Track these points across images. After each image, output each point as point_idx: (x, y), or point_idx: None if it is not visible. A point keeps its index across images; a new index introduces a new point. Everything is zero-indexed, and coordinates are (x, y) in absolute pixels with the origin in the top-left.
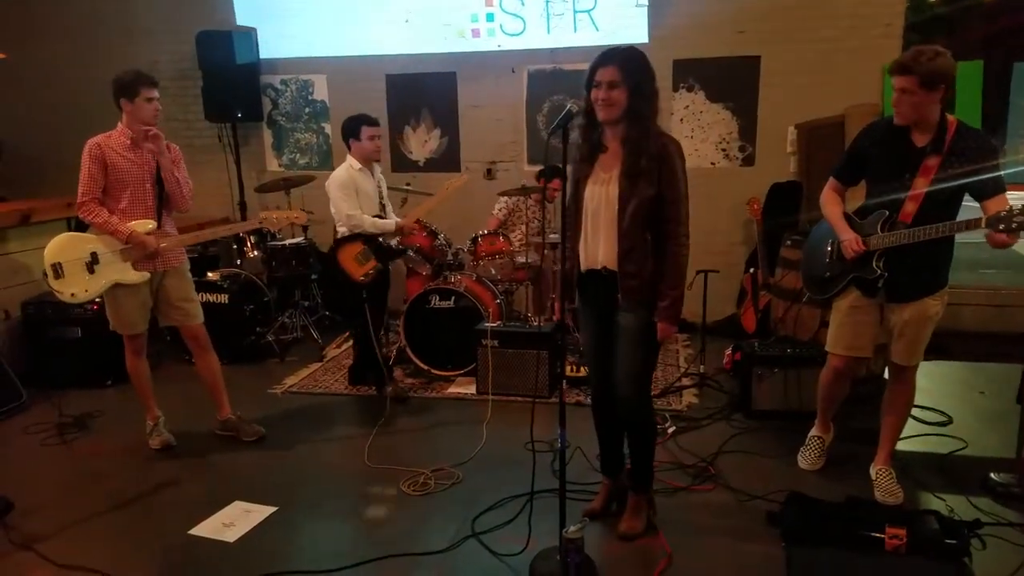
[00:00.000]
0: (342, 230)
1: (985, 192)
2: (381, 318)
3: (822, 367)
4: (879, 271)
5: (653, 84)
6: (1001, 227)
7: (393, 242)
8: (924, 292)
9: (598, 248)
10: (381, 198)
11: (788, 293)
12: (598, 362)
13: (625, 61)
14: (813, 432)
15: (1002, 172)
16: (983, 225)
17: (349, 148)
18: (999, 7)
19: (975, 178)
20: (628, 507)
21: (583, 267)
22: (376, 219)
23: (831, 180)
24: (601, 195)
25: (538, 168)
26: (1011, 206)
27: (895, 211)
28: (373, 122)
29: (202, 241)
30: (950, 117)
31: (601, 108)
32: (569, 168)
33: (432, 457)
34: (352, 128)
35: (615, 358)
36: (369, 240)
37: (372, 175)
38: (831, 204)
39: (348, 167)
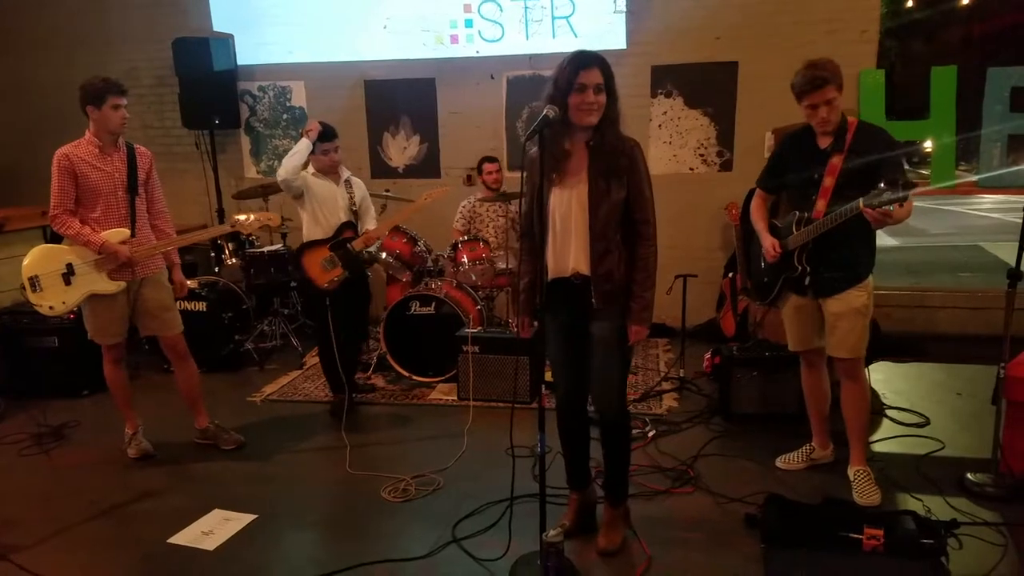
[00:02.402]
0: (306, 233)
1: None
2: (364, 328)
3: (800, 370)
4: (800, 268)
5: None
6: (874, 203)
7: (372, 248)
8: (847, 284)
9: (568, 254)
10: (353, 205)
11: None
12: (568, 374)
13: (604, 64)
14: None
15: (903, 163)
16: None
17: None
18: (973, 13)
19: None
20: (605, 522)
21: (551, 275)
22: (295, 151)
23: (757, 191)
24: (570, 199)
25: (518, 174)
26: (879, 186)
27: (809, 210)
28: (327, 136)
29: (176, 247)
30: (850, 118)
31: (588, 112)
32: (524, 177)
33: (413, 463)
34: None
35: (589, 369)
36: (336, 246)
37: (336, 185)
38: (755, 214)
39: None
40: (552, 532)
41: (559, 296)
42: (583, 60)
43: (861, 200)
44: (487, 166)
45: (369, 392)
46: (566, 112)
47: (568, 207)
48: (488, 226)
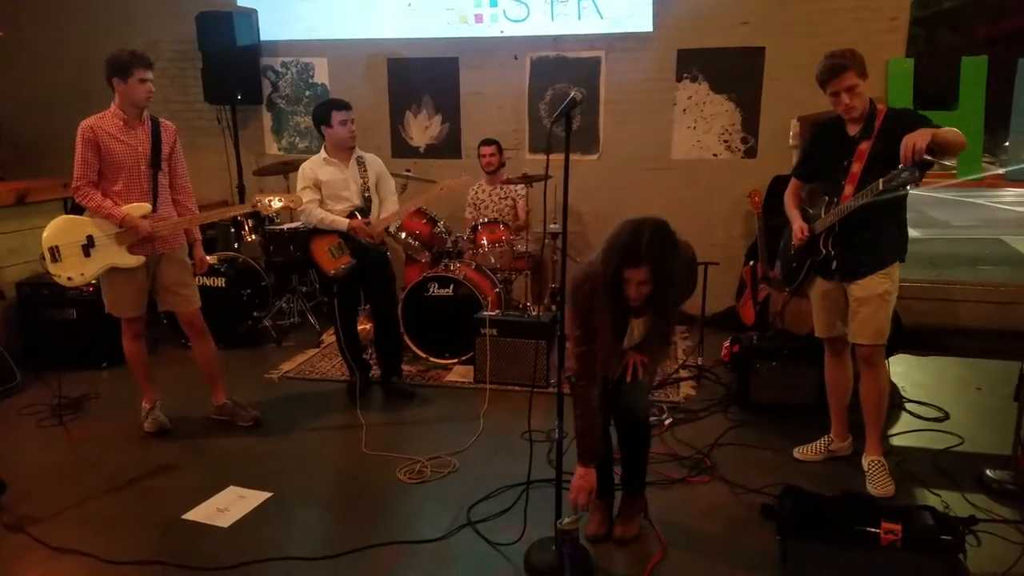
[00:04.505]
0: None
1: None
2: (393, 308)
3: (820, 360)
4: (824, 252)
5: (678, 253)
6: (892, 184)
7: (391, 228)
8: (871, 269)
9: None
10: (366, 191)
11: None
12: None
13: (654, 258)
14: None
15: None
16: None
17: (323, 136)
18: (1004, 4)
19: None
20: (621, 511)
21: None
22: (328, 215)
23: (792, 180)
24: (637, 328)
25: (541, 156)
26: (901, 165)
27: (837, 195)
28: (343, 106)
29: (197, 225)
30: (879, 105)
31: (632, 299)
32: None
33: (429, 445)
34: (322, 114)
35: (624, 380)
36: (345, 234)
37: (347, 165)
38: (789, 201)
39: (314, 157)
40: (567, 519)
41: None
42: (628, 254)
43: (881, 181)
44: (483, 149)
45: (409, 398)
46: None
47: (638, 328)
48: (491, 210)
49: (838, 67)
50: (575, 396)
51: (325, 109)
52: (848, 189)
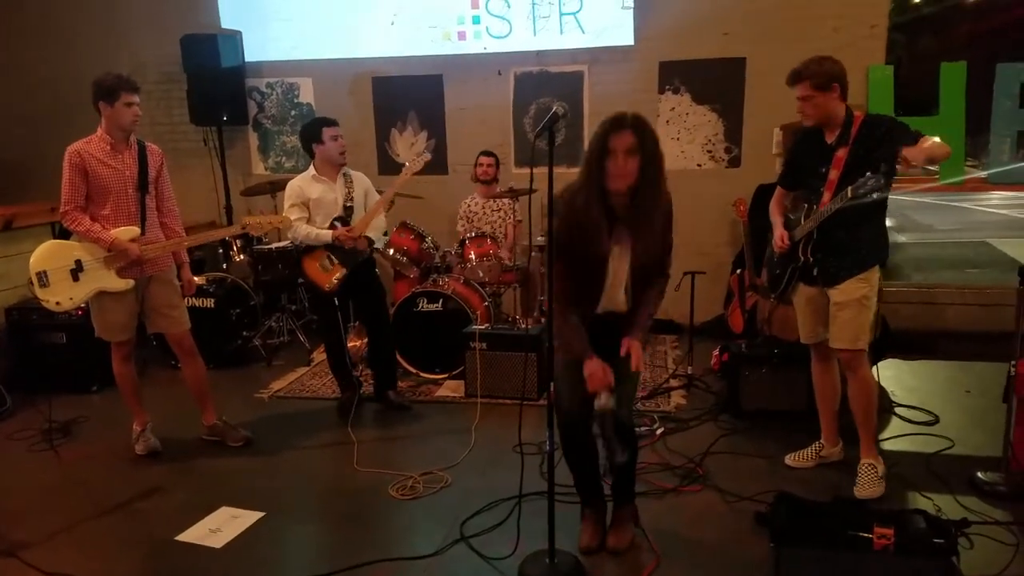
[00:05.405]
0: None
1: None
2: (386, 322)
3: (809, 366)
4: (804, 258)
5: (659, 146)
6: (860, 191)
7: (379, 245)
8: (850, 271)
9: (617, 297)
10: (349, 200)
11: None
12: (582, 391)
13: (637, 125)
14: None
15: (907, 127)
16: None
17: (312, 155)
18: (982, 8)
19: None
20: (613, 521)
21: (599, 310)
22: (314, 230)
23: (777, 189)
24: (617, 261)
25: (525, 170)
26: (868, 173)
27: (816, 203)
28: (332, 122)
29: (186, 247)
30: (857, 112)
31: (615, 178)
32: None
33: (420, 460)
34: (312, 132)
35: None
36: (331, 246)
37: (334, 182)
38: (773, 209)
39: (302, 175)
40: (602, 398)
41: (602, 325)
42: (612, 123)
43: (849, 188)
44: (482, 159)
45: (407, 411)
46: (604, 177)
47: (616, 267)
48: (484, 223)
49: (793, 76)
50: (552, 320)
51: (315, 127)
52: (827, 196)
